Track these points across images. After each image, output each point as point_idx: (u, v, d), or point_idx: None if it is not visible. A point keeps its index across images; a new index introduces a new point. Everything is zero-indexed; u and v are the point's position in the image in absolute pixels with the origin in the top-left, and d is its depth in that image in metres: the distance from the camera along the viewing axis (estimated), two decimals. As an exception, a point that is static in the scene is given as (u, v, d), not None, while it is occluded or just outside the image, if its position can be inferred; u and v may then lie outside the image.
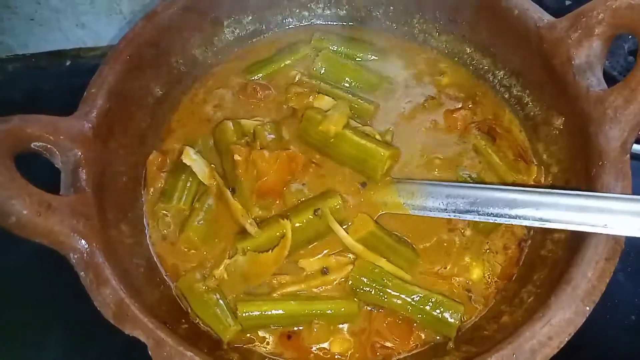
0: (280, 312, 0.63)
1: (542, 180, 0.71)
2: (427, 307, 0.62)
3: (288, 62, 0.82)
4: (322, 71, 0.80)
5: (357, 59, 0.83)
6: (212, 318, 0.63)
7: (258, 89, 0.79)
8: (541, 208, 0.59)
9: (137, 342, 0.52)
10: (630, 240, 0.68)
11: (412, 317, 0.63)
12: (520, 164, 0.73)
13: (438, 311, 0.62)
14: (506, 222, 0.62)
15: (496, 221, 0.62)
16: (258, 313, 0.63)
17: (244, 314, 0.62)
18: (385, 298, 0.63)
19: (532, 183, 0.71)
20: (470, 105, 0.78)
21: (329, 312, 0.64)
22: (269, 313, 0.63)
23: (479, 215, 0.63)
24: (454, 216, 0.65)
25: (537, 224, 0.59)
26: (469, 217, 0.64)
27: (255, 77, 0.81)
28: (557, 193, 0.59)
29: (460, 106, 0.78)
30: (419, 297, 0.63)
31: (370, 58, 0.83)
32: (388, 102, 0.79)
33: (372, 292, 0.63)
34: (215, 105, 0.79)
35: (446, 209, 0.65)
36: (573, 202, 0.57)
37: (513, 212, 0.60)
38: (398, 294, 0.63)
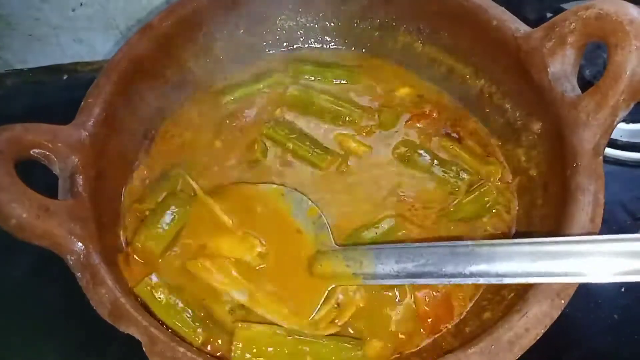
0: (280, 351, 0.61)
1: (509, 179, 0.75)
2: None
3: (260, 86, 0.86)
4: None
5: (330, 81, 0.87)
6: (178, 326, 0.62)
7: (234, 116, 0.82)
8: (497, 261, 0.54)
9: (135, 349, 0.53)
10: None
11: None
12: (491, 158, 0.77)
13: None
14: (462, 282, 0.58)
15: (451, 282, 0.58)
16: (256, 349, 0.61)
17: (239, 345, 0.60)
18: None
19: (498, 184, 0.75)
20: (435, 115, 0.82)
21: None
22: (269, 350, 0.61)
23: (432, 277, 0.58)
24: (408, 282, 0.62)
25: (494, 281, 0.55)
26: (422, 281, 0.59)
27: (227, 99, 0.84)
28: (512, 243, 0.56)
29: (425, 112, 0.82)
30: None
31: (343, 82, 0.87)
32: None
33: None
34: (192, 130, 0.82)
35: (398, 275, 0.60)
36: (530, 249, 0.54)
37: (467, 269, 0.56)
38: None
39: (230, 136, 0.81)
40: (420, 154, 0.77)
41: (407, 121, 0.82)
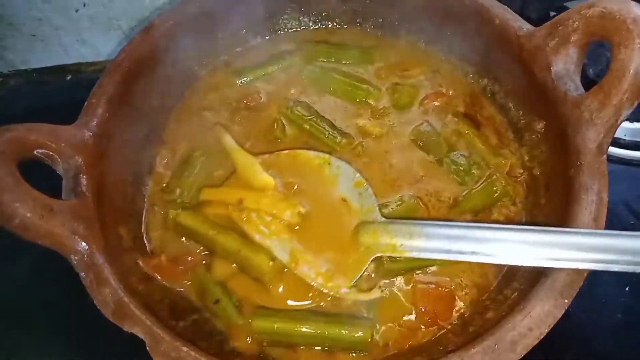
0: (295, 333, 0.62)
1: (517, 170, 0.75)
2: None
3: (275, 68, 0.86)
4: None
5: (344, 62, 0.87)
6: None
7: (251, 96, 0.83)
8: (546, 247, 0.55)
9: (138, 348, 0.53)
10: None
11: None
12: (504, 150, 0.77)
13: None
14: (518, 264, 0.58)
15: (503, 263, 0.58)
16: (272, 331, 0.62)
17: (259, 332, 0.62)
18: None
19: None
20: (451, 92, 0.82)
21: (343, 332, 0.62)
22: (284, 332, 0.62)
23: (485, 256, 0.58)
24: (460, 258, 0.60)
25: (548, 264, 0.55)
26: (473, 258, 0.59)
27: (243, 80, 0.85)
28: (565, 232, 0.56)
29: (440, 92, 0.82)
30: None
31: (358, 63, 0.87)
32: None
33: None
34: (209, 110, 0.83)
35: (450, 251, 0.60)
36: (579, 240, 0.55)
37: (523, 253, 0.56)
38: None
39: (247, 116, 0.82)
40: (435, 143, 0.77)
41: (422, 99, 0.82)
